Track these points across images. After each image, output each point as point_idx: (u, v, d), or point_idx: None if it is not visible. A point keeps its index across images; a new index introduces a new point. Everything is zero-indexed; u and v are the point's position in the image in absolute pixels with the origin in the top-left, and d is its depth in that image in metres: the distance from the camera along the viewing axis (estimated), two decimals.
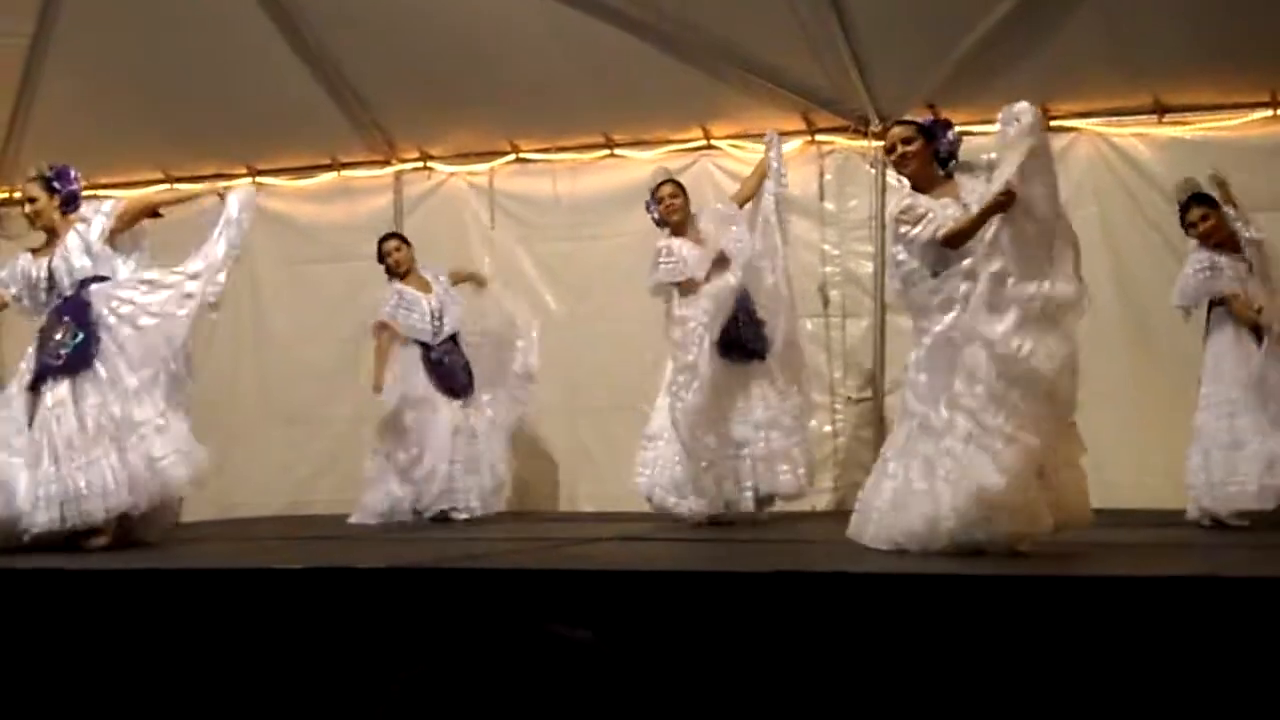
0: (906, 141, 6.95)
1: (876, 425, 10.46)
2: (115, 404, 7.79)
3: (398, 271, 10.45)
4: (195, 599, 6.04)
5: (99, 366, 7.84)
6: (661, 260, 9.34)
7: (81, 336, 7.88)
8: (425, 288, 10.43)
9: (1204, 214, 8.66)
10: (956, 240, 6.55)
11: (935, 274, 6.67)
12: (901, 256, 6.81)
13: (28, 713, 6.05)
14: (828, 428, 10.57)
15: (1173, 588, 5.04)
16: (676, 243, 9.34)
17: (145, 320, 7.96)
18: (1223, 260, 8.60)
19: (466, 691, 2.00)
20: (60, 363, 7.84)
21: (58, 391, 7.79)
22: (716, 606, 5.36)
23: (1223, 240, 8.63)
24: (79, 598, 6.22)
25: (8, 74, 11.35)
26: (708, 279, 9.15)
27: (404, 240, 10.65)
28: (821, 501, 10.09)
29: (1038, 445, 6.25)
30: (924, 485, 6.43)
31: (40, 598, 6.30)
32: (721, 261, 9.18)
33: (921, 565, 5.99)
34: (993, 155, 6.83)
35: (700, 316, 8.95)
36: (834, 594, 5.29)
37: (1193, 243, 8.77)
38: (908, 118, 7.13)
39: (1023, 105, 6.48)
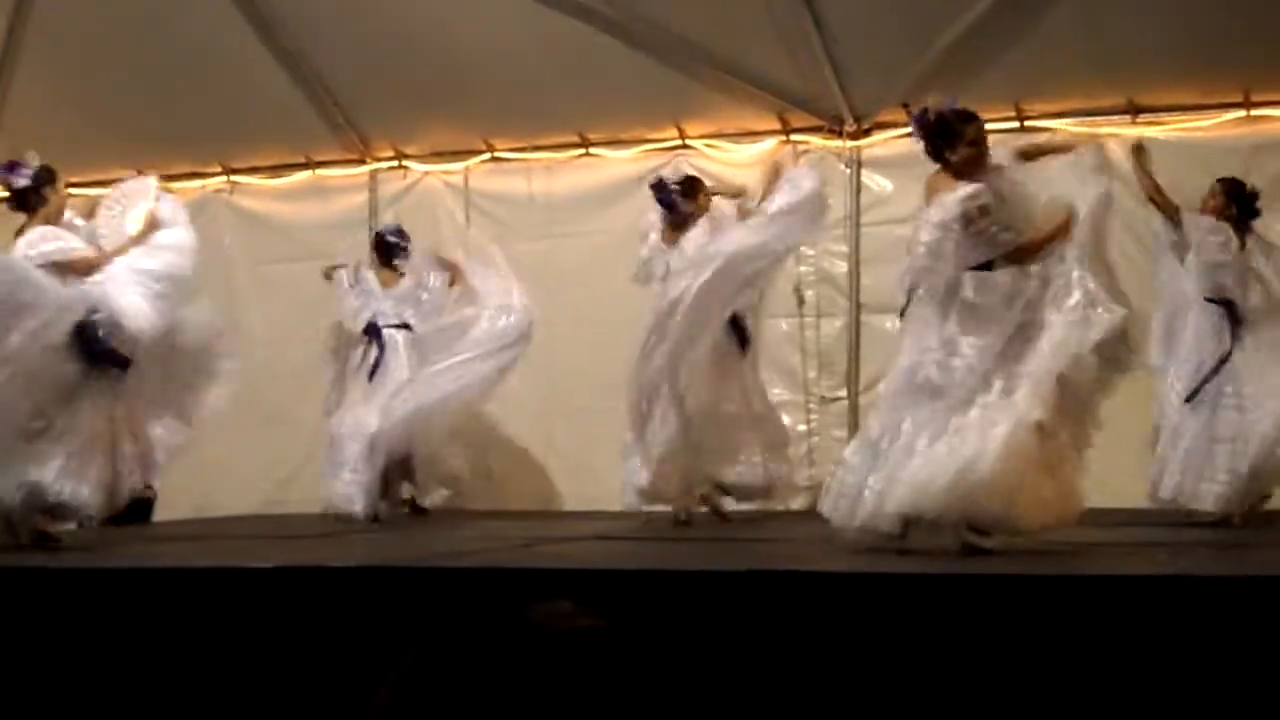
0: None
1: (850, 424, 10.47)
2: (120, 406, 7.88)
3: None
4: (171, 598, 6.04)
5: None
6: None
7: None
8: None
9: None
10: (1021, 256, 6.63)
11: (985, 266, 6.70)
12: (953, 243, 6.67)
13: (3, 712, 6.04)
14: (802, 426, 10.58)
15: (1141, 586, 5.07)
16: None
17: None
18: None
19: (460, 681, 1.99)
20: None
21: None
22: (694, 605, 5.37)
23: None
24: (54, 596, 6.21)
25: None
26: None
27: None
28: (794, 500, 10.08)
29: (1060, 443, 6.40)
30: (961, 450, 6.42)
31: (15, 595, 6.29)
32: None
33: (893, 565, 6.00)
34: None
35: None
36: (809, 593, 5.30)
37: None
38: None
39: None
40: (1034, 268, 6.61)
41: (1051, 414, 6.39)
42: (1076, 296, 6.73)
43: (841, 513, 6.69)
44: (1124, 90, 10.05)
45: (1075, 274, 6.78)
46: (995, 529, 6.28)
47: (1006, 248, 6.63)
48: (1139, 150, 8.84)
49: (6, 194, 8.23)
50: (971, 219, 6.64)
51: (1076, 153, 7.05)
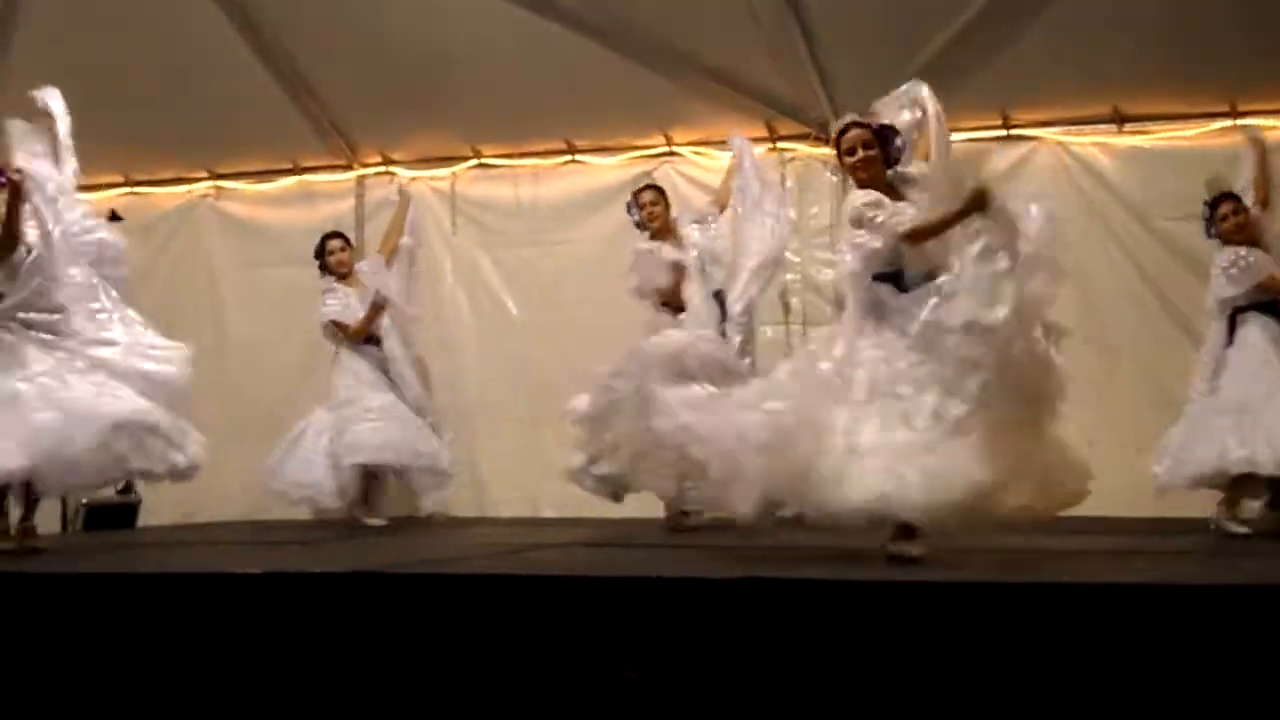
0: (867, 145, 6.88)
1: None
2: None
3: (339, 272, 10.53)
4: (155, 604, 6.03)
5: None
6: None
7: None
8: (361, 288, 10.51)
9: (1235, 208, 8.61)
10: (920, 235, 6.61)
11: (880, 277, 6.73)
12: (875, 245, 6.70)
13: None
14: None
15: (1127, 595, 5.07)
16: (655, 245, 9.47)
17: None
18: (1256, 253, 8.57)
19: None
20: None
21: None
22: (681, 612, 5.37)
23: (1252, 238, 8.60)
24: (36, 601, 6.20)
25: None
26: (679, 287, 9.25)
27: (348, 242, 10.73)
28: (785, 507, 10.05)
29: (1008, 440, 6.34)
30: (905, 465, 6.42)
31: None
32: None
33: (882, 573, 6.00)
34: (923, 169, 6.92)
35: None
36: (800, 600, 5.30)
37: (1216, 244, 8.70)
38: (861, 120, 7.02)
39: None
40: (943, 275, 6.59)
41: (973, 402, 6.37)
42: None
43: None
44: (1110, 99, 10.07)
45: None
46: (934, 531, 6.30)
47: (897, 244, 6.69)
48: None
49: None
50: (863, 219, 6.74)
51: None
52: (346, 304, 10.43)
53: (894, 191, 6.88)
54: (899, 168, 6.99)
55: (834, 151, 7.13)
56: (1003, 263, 6.34)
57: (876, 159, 6.90)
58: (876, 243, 6.70)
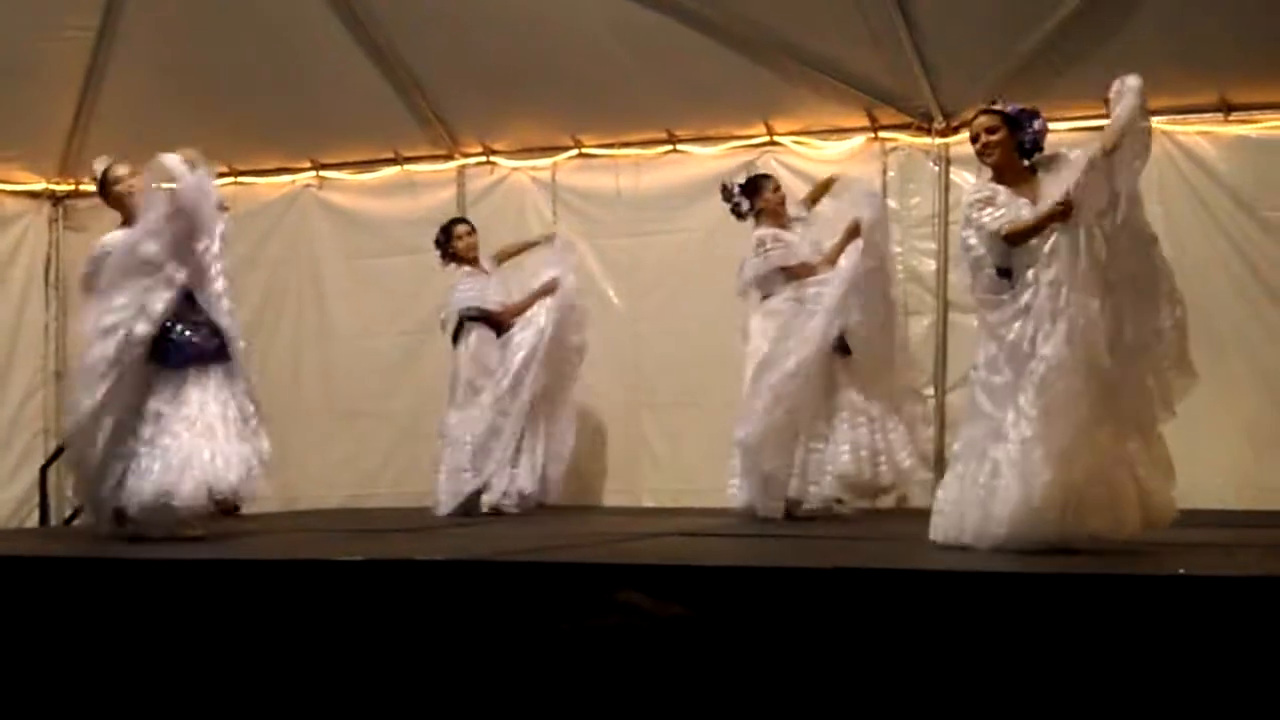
0: (991, 130, 6.86)
1: (939, 422, 10.41)
2: (240, 396, 8.02)
3: (466, 257, 10.57)
4: (256, 590, 6.08)
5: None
6: (769, 247, 9.39)
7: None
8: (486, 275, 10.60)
9: None
10: (1015, 239, 6.56)
11: (1000, 271, 6.66)
12: (972, 241, 6.74)
13: (91, 698, 6.11)
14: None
15: (1235, 587, 5.02)
16: (777, 230, 9.47)
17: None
18: None
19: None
20: (213, 349, 8.00)
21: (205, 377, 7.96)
22: (776, 602, 5.36)
23: None
24: (140, 587, 6.27)
25: (74, 68, 11.43)
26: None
27: (474, 227, 10.77)
28: (882, 499, 10.03)
29: (1081, 455, 6.33)
30: (994, 484, 6.43)
31: (102, 587, 6.35)
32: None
33: (980, 562, 5.97)
34: (1075, 152, 6.85)
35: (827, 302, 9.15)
36: (894, 591, 5.29)
37: None
38: (993, 107, 7.01)
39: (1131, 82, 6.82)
40: (1045, 273, 6.49)
41: (1091, 420, 6.36)
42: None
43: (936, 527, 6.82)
44: (1216, 88, 9.92)
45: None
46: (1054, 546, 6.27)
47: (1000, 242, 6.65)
48: None
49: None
50: (968, 217, 6.77)
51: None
52: (483, 290, 10.46)
53: (1032, 177, 6.83)
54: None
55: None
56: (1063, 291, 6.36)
57: (1002, 143, 6.85)
58: (981, 249, 6.69)
